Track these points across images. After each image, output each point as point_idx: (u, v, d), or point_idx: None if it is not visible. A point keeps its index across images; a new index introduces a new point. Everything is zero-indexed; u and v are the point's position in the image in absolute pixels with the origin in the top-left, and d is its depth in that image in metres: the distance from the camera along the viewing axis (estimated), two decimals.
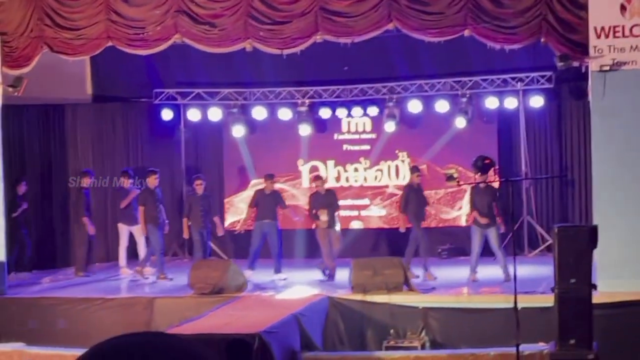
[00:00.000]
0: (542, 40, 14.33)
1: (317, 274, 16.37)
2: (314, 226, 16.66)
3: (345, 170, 19.57)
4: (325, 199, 16.38)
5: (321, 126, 19.66)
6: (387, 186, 19.46)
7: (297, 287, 15.55)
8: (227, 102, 19.42)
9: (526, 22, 14.28)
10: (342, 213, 17.53)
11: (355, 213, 19.54)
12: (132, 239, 17.81)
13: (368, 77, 18.94)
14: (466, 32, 14.60)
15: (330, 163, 19.66)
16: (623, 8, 13.81)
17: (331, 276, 16.13)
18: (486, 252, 17.61)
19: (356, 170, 19.54)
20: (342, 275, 15.66)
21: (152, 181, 17.03)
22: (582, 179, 18.15)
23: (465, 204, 18.32)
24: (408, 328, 13.83)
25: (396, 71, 18.63)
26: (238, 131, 19.46)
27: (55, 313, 14.84)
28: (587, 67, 14.46)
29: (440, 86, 18.46)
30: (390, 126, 18.71)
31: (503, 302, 12.96)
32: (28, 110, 19.37)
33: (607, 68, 13.81)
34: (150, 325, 14.16)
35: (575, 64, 14.53)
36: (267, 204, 16.75)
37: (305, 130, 19.18)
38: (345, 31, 15.04)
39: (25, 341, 13.69)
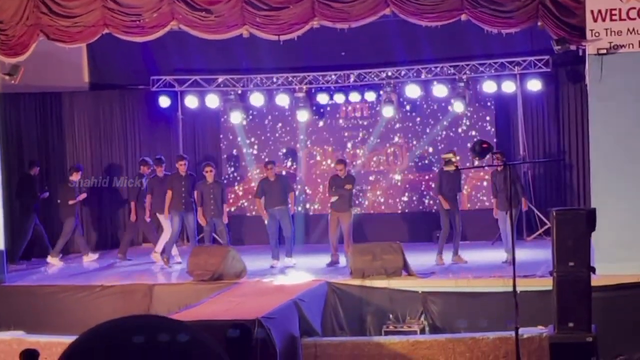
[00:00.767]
0: (539, 24, 14.32)
1: (322, 260, 16.35)
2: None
3: (343, 156, 19.56)
4: (342, 182, 16.42)
5: (319, 112, 19.65)
6: (385, 171, 19.45)
7: (296, 272, 15.58)
8: (225, 89, 19.40)
9: (523, 5, 14.26)
10: None
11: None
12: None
13: (365, 62, 18.90)
14: (463, 17, 14.59)
15: (328, 148, 19.64)
16: None
17: (333, 263, 16.15)
18: (483, 237, 17.70)
19: (354, 155, 19.52)
20: (343, 260, 15.74)
21: (180, 167, 17.16)
22: (580, 163, 18.16)
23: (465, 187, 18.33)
24: (407, 313, 13.87)
25: (394, 56, 18.59)
26: (236, 118, 19.44)
27: (55, 301, 14.86)
28: (584, 51, 14.48)
29: (438, 71, 18.44)
30: (388, 111, 18.69)
31: (502, 286, 13.01)
32: (25, 98, 19.34)
33: (604, 51, 13.80)
34: (150, 312, 14.18)
35: (573, 47, 14.55)
36: (273, 191, 16.72)
37: (303, 116, 19.16)
38: (342, 17, 15.01)
39: (24, 329, 13.73)
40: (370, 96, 19.00)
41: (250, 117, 19.87)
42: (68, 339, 12.53)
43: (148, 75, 19.72)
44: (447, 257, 15.99)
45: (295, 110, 19.19)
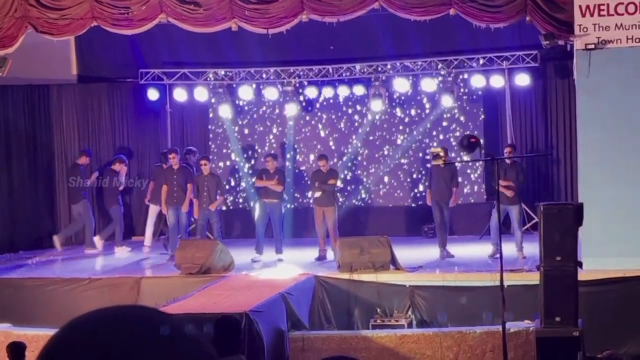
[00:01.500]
0: (528, 18, 14.34)
1: (310, 254, 16.36)
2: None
3: (332, 150, 19.57)
4: (325, 178, 16.41)
5: (307, 106, 19.64)
6: (373, 165, 19.45)
7: (284, 266, 15.59)
8: (213, 82, 19.37)
9: (511, 0, 14.28)
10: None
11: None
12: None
13: (354, 56, 18.89)
14: (451, 11, 14.61)
15: (316, 142, 19.63)
16: None
17: (321, 257, 16.15)
18: (470, 231, 17.71)
19: (343, 149, 19.51)
20: (330, 254, 15.75)
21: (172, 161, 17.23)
22: (568, 157, 18.19)
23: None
24: (395, 307, 13.89)
25: (382, 50, 18.61)
26: (224, 111, 19.42)
27: (42, 293, 14.84)
28: (572, 46, 14.50)
29: (427, 65, 18.45)
30: (376, 105, 18.70)
31: (489, 280, 13.05)
32: (13, 90, 19.28)
33: (592, 46, 13.84)
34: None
35: (561, 42, 14.56)
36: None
37: (291, 109, 19.15)
38: (331, 10, 15.02)
39: (11, 322, 13.70)
40: (359, 90, 18.97)
41: (239, 110, 19.85)
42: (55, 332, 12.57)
43: (136, 68, 19.67)
44: (436, 251, 16.03)
45: (284, 104, 19.18)
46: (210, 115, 20.00)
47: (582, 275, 11.96)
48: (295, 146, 19.71)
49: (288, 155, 19.63)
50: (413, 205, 19.17)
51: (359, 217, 19.08)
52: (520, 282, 13.08)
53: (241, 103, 19.73)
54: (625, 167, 13.84)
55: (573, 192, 17.15)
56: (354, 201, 19.42)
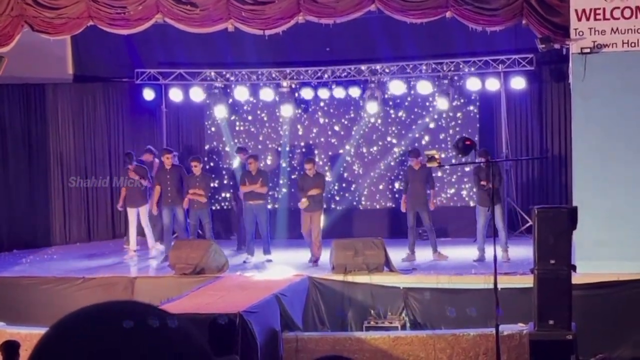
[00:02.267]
0: (524, 22, 14.37)
1: (304, 255, 16.32)
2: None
3: (328, 152, 19.58)
4: (311, 182, 16.33)
5: (303, 107, 19.64)
6: (368, 167, 19.45)
7: (278, 267, 15.58)
8: (209, 83, 19.37)
9: (507, 4, 14.30)
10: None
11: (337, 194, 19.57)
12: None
13: (350, 58, 18.90)
14: (448, 14, 14.63)
15: (311, 144, 19.64)
16: None
17: (313, 261, 16.09)
18: (464, 234, 17.71)
19: (338, 151, 19.52)
20: (324, 256, 15.72)
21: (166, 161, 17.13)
22: (563, 161, 18.22)
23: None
24: (388, 308, 13.90)
25: (378, 52, 18.61)
26: (220, 111, 19.42)
27: (36, 292, 14.83)
28: (567, 50, 14.53)
29: (422, 68, 18.46)
30: (372, 107, 18.70)
31: (483, 283, 13.06)
32: (9, 89, 19.27)
33: (588, 50, 13.85)
34: None
35: (557, 46, 14.59)
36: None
37: (287, 110, 19.15)
38: (327, 12, 15.03)
39: (5, 320, 13.69)
40: (355, 92, 18.97)
41: (235, 111, 19.85)
42: None
43: (132, 68, 19.68)
44: (429, 254, 16.04)
45: (280, 105, 19.17)
46: (206, 115, 19.98)
47: (576, 278, 11.97)
48: (291, 147, 19.70)
49: (283, 157, 19.63)
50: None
51: (353, 218, 19.09)
52: (514, 285, 13.10)
53: (237, 103, 19.72)
54: (620, 171, 13.85)
55: (567, 196, 17.17)
56: (348, 203, 19.42)
